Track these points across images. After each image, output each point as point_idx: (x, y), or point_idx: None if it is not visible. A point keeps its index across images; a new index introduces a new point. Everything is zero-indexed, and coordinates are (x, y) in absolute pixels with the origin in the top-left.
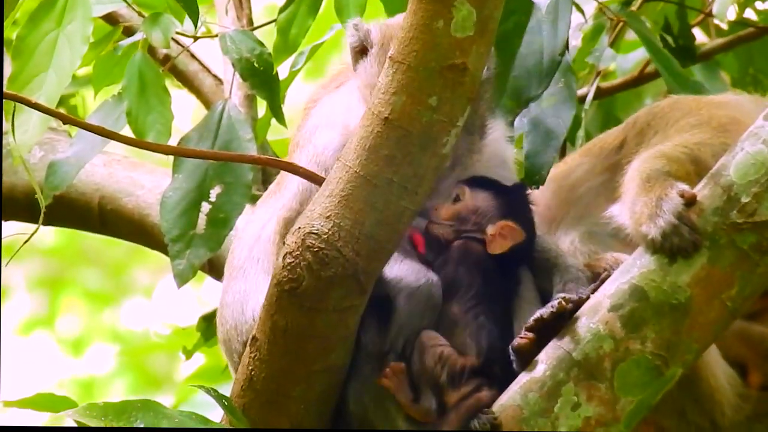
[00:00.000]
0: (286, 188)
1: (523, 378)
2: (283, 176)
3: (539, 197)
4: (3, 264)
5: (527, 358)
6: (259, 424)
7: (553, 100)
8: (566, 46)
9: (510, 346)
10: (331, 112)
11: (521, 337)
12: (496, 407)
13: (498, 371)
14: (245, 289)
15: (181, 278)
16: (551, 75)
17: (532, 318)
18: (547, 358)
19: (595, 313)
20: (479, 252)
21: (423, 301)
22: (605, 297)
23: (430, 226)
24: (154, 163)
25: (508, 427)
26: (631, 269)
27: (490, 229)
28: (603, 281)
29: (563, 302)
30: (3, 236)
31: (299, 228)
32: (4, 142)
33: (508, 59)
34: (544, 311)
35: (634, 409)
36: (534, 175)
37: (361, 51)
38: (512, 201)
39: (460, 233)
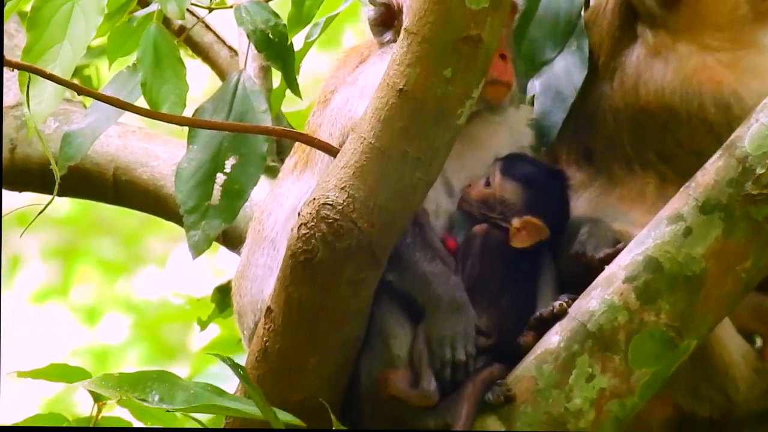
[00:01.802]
0: (322, 161)
1: (537, 349)
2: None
3: None
4: (19, 235)
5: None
6: (273, 396)
7: (565, 63)
8: (581, 9)
9: (514, 344)
10: (355, 93)
11: (524, 335)
12: (509, 379)
13: (513, 354)
14: (274, 264)
15: (197, 249)
16: (567, 38)
17: (533, 317)
18: (561, 330)
19: (610, 285)
20: (502, 240)
21: (452, 312)
22: (620, 268)
23: (461, 202)
24: (169, 135)
25: (523, 398)
26: (646, 240)
27: (515, 222)
28: (604, 261)
29: (564, 305)
30: (18, 207)
31: (314, 199)
32: (19, 113)
33: (525, 23)
34: (544, 311)
35: (648, 381)
36: (544, 137)
37: (382, 23)
38: (543, 193)
39: (486, 217)
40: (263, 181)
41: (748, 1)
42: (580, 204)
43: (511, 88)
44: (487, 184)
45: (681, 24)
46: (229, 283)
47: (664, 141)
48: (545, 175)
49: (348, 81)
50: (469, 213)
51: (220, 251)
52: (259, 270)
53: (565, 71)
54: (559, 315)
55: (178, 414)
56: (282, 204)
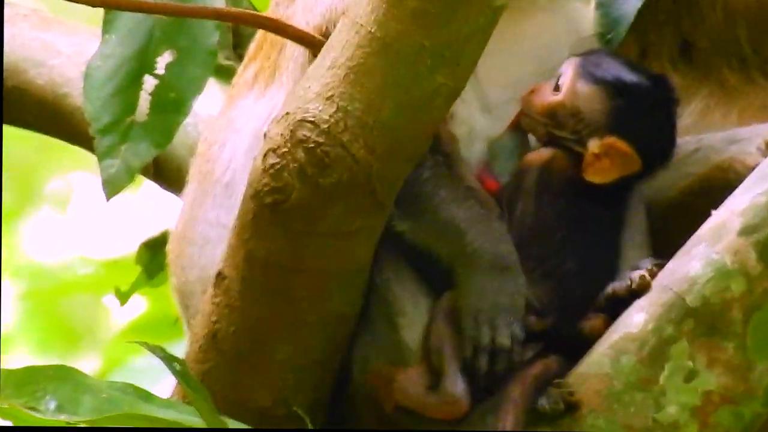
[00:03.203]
0: (295, 67)
1: (613, 334)
2: (288, 47)
3: None
4: None
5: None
6: (225, 400)
7: None
8: None
9: (575, 330)
10: None
11: (589, 319)
12: (573, 377)
13: (578, 343)
14: (229, 221)
15: (113, 186)
16: None
17: (603, 293)
18: (649, 305)
19: (719, 239)
20: (571, 173)
21: (495, 274)
22: (733, 214)
23: (519, 116)
24: (76, 20)
25: (592, 405)
26: None
27: (593, 145)
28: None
29: (647, 275)
30: None
31: (287, 114)
32: None
33: None
34: (618, 286)
35: None
36: (607, 31)
37: None
38: (638, 106)
39: (554, 138)
40: (213, 87)
41: None
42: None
43: None
44: (557, 89)
45: None
46: (162, 235)
47: None
48: (642, 82)
49: None
50: (530, 132)
51: (148, 190)
52: (209, 229)
53: None
54: (640, 291)
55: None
56: (240, 131)
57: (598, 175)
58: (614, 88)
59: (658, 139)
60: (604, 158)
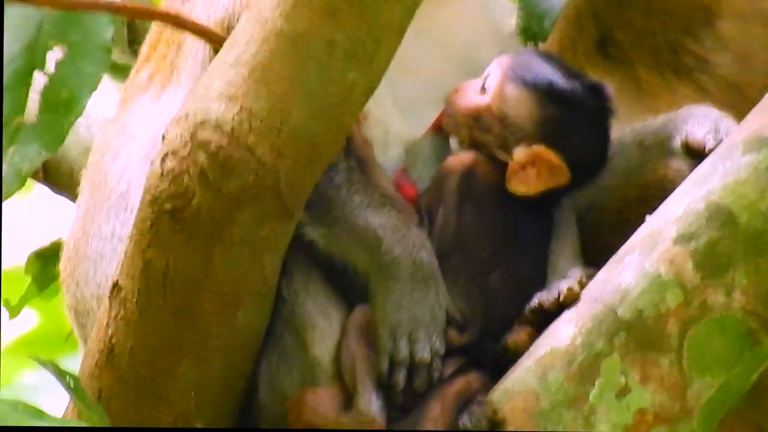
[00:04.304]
0: (195, 67)
1: (539, 349)
2: (187, 45)
3: None
4: None
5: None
6: (123, 418)
7: None
8: None
9: (499, 345)
10: None
11: (513, 333)
12: (497, 393)
13: (501, 358)
14: (125, 233)
15: (2, 191)
16: None
17: (529, 307)
18: (578, 318)
19: (653, 247)
20: (495, 181)
21: (415, 284)
22: (669, 222)
23: (441, 116)
24: None
25: (517, 424)
26: (710, 179)
27: (519, 154)
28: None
29: (575, 286)
30: None
31: (187, 114)
32: None
33: None
34: (545, 298)
35: (714, 396)
36: (532, 26)
37: None
38: (571, 114)
39: (477, 143)
40: (108, 86)
41: None
42: None
43: None
44: (483, 90)
45: None
46: (53, 245)
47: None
48: (576, 89)
49: None
50: (452, 135)
51: (39, 194)
52: (103, 244)
53: None
54: (568, 303)
55: None
56: (134, 138)
57: (522, 185)
58: (545, 95)
59: (590, 152)
60: (530, 168)
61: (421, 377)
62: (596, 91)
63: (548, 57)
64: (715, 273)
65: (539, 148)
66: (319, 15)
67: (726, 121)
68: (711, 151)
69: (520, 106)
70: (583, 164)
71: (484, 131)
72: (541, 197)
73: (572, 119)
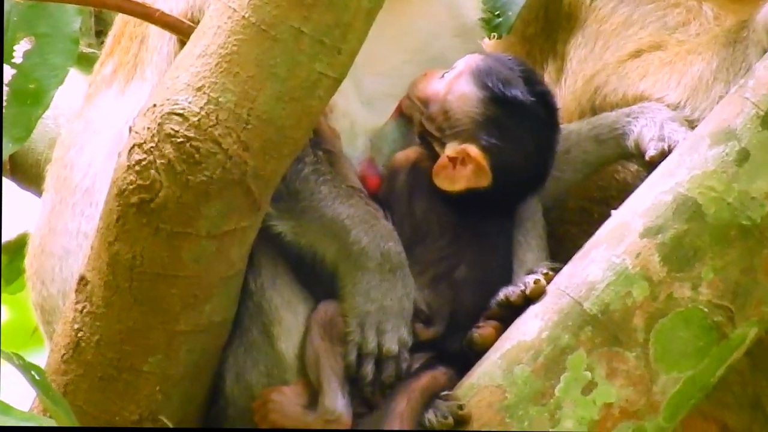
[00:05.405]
0: (160, 60)
1: (505, 343)
2: (152, 39)
3: None
4: None
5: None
6: (90, 413)
7: None
8: None
9: (465, 339)
10: None
11: (479, 327)
12: (463, 388)
13: (467, 353)
14: (91, 229)
15: None
16: None
17: (495, 300)
18: (543, 312)
19: (620, 240)
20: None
21: (383, 275)
22: (636, 215)
23: (403, 100)
24: None
25: (483, 419)
26: (677, 171)
27: (449, 149)
28: None
29: (541, 279)
30: None
31: (154, 106)
32: None
33: None
34: (511, 291)
35: (681, 390)
36: (495, 17)
37: None
38: (511, 119)
39: (423, 131)
40: (75, 77)
41: None
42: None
43: None
44: (443, 76)
45: None
46: (19, 239)
47: None
48: (527, 99)
49: None
50: (408, 115)
51: (4, 188)
52: (69, 240)
53: None
54: (534, 297)
55: None
56: (99, 132)
57: (446, 181)
58: (490, 97)
59: (523, 162)
60: (459, 165)
61: (389, 369)
62: (543, 97)
63: (516, 64)
64: (682, 266)
65: (470, 147)
66: (287, 6)
67: (672, 125)
68: (653, 158)
69: (464, 101)
70: (511, 172)
71: (429, 120)
72: (462, 197)
73: (511, 126)
